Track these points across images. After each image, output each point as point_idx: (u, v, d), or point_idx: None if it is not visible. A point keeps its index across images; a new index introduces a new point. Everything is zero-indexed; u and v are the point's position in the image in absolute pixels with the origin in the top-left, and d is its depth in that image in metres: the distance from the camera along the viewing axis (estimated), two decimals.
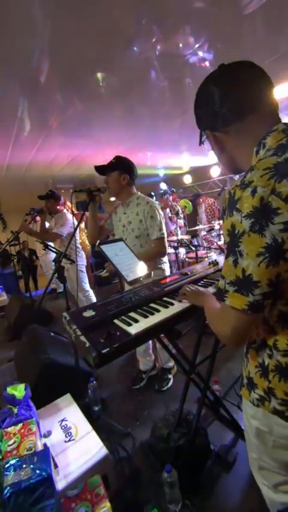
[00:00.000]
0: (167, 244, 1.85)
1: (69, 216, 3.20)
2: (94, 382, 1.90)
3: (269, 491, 0.74)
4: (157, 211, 1.79)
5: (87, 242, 4.64)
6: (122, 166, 1.77)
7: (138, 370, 2.17)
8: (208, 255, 3.94)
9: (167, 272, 1.98)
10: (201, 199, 5.64)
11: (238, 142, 0.68)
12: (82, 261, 3.26)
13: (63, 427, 1.36)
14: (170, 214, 4.71)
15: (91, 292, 3.32)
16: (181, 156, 5.80)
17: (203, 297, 0.94)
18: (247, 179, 0.55)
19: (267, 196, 0.51)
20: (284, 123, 0.63)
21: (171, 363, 2.07)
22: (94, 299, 3.27)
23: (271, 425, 0.66)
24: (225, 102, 0.65)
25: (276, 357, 0.63)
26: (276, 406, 0.63)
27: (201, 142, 0.78)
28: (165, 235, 1.82)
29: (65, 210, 3.32)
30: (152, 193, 4.71)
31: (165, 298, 1.17)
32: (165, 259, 1.98)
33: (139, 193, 1.88)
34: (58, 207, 3.26)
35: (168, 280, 1.38)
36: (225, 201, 0.59)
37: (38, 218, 4.24)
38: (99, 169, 1.80)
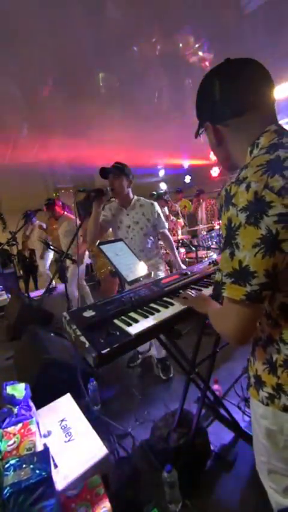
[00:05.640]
0: None
1: (72, 217, 3.30)
2: (94, 382, 1.90)
3: (277, 494, 0.72)
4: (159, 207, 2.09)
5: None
6: (127, 172, 1.96)
7: (136, 350, 2.37)
8: (208, 255, 3.94)
9: (162, 266, 2.19)
10: (201, 199, 5.63)
11: (236, 137, 0.69)
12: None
13: (63, 427, 1.36)
14: (167, 213, 4.72)
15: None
16: (181, 156, 5.79)
17: (205, 301, 0.93)
18: (242, 176, 0.57)
19: (260, 190, 0.53)
20: (276, 124, 0.64)
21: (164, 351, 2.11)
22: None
23: (282, 424, 0.64)
24: (227, 96, 0.66)
25: (284, 350, 0.62)
26: (287, 403, 0.62)
27: (198, 134, 0.78)
28: None
29: (66, 213, 3.39)
30: (154, 192, 4.74)
31: (165, 298, 1.17)
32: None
33: (135, 196, 2.06)
34: (59, 210, 3.36)
35: (168, 280, 1.38)
36: (221, 198, 0.61)
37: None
38: (104, 171, 1.89)
